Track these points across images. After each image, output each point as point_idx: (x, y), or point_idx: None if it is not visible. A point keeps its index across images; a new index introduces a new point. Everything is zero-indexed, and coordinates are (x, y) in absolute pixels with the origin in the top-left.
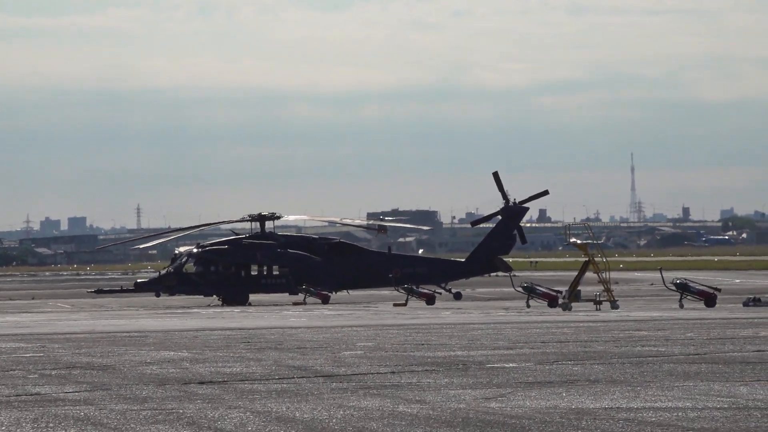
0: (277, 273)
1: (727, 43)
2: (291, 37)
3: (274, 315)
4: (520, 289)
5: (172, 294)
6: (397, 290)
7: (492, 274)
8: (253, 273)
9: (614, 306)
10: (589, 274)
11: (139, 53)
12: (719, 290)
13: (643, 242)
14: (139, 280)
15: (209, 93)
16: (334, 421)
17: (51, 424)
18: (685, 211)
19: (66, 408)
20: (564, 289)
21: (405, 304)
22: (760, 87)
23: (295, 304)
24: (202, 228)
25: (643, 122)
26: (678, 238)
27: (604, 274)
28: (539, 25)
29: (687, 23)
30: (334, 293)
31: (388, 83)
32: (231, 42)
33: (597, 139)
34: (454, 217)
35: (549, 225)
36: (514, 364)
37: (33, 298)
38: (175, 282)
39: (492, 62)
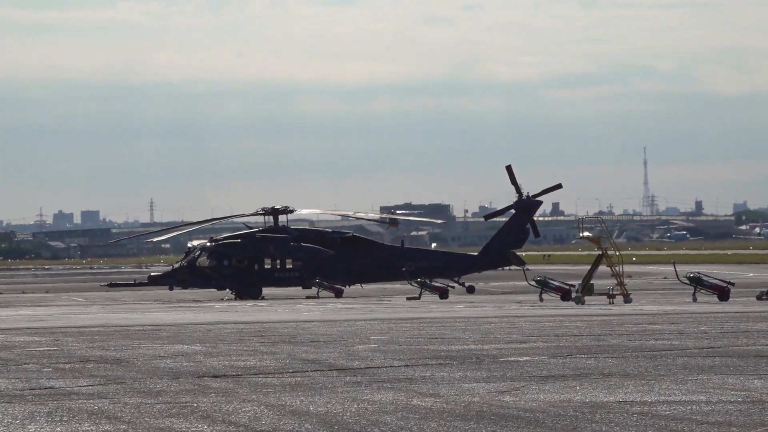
0: (291, 267)
1: (741, 37)
2: (302, 31)
3: (287, 309)
4: (533, 282)
5: (185, 287)
6: (411, 284)
7: (505, 267)
8: (266, 267)
9: (627, 300)
10: (603, 268)
11: (150, 47)
12: (733, 284)
13: (655, 236)
14: (152, 274)
15: (220, 87)
16: (348, 414)
17: (65, 418)
18: (698, 204)
19: (80, 401)
20: (577, 282)
21: (418, 298)
22: None
23: (309, 297)
24: (215, 222)
25: (656, 116)
26: (691, 232)
27: (617, 268)
28: (551, 18)
29: (700, 16)
30: (347, 287)
31: (399, 77)
32: (242, 36)
33: (610, 133)
34: (467, 211)
35: (562, 218)
36: (527, 358)
37: (47, 292)
38: (188, 275)
39: (503, 56)
